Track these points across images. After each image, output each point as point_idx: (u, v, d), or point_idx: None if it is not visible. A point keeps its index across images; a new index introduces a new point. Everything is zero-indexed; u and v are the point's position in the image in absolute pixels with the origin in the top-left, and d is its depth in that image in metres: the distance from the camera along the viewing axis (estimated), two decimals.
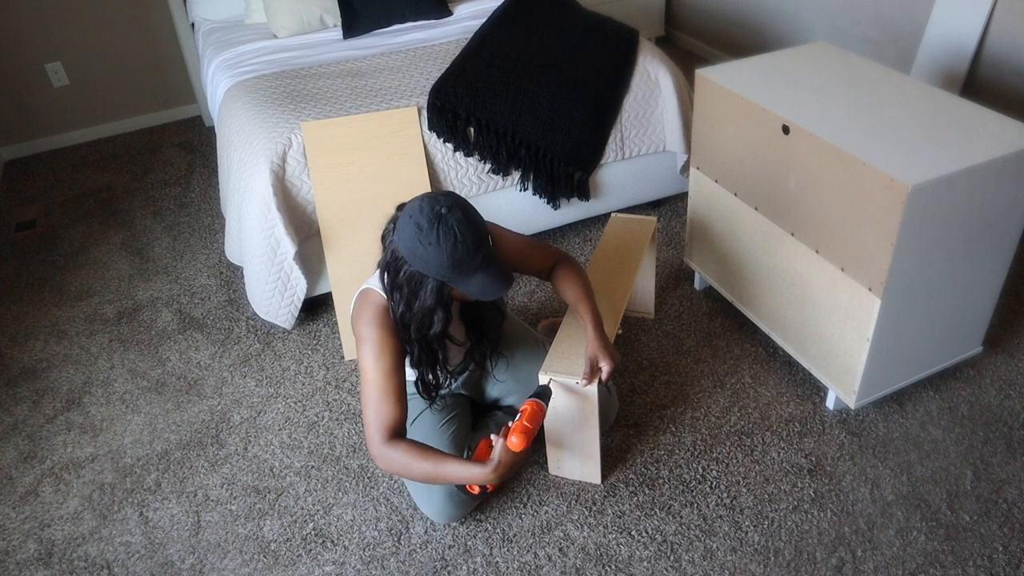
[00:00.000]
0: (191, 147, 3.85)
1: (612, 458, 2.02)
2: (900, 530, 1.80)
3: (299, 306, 2.47)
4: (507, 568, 1.79)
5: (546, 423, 1.86)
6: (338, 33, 3.15)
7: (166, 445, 2.19)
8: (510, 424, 1.62)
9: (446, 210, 1.49)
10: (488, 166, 2.58)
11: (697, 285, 2.60)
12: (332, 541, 1.88)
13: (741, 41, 4.05)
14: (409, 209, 1.53)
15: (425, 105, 2.51)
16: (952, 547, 1.75)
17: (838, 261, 1.88)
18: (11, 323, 2.72)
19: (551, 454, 1.94)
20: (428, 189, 2.49)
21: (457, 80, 2.57)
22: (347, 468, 2.06)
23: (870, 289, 1.80)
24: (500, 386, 2.00)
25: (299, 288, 2.43)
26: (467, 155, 2.54)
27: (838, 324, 1.95)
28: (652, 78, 2.73)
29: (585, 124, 2.63)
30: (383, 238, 1.63)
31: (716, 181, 2.26)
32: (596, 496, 1.93)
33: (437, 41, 2.99)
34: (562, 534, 1.85)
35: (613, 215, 2.32)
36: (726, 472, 1.97)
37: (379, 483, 2.01)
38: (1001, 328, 2.33)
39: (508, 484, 1.96)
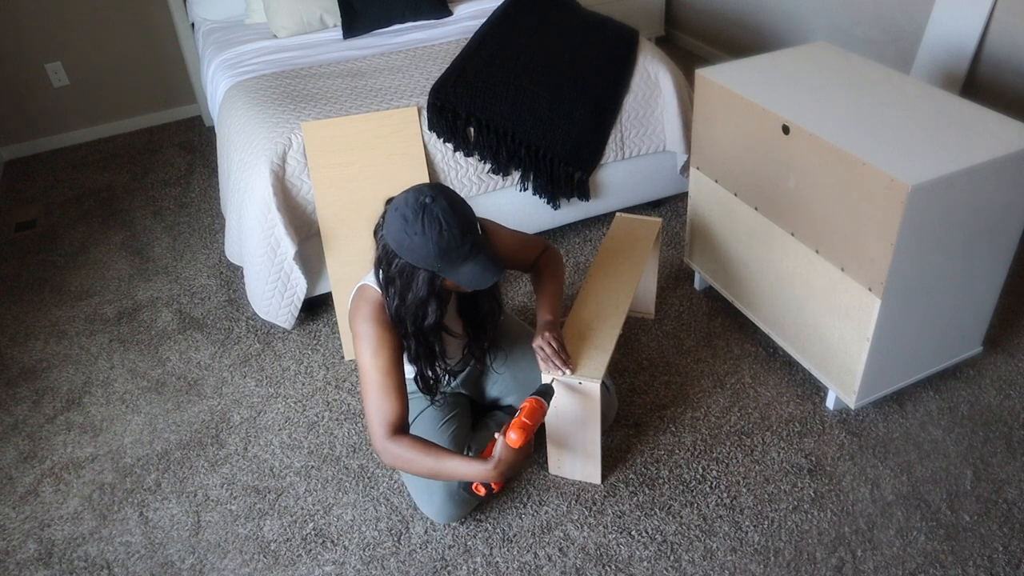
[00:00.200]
0: (191, 147, 3.85)
1: (612, 458, 2.02)
2: (900, 530, 1.80)
3: (299, 306, 2.47)
4: (507, 568, 1.79)
5: (547, 423, 1.86)
6: (338, 33, 3.15)
7: (166, 445, 2.19)
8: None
9: (430, 200, 1.50)
10: (488, 166, 2.58)
11: (697, 285, 2.60)
12: (332, 541, 1.88)
13: (741, 41, 4.05)
14: (396, 202, 1.54)
15: (425, 105, 2.51)
16: (952, 547, 1.75)
17: (838, 261, 1.88)
18: (11, 323, 2.73)
19: (551, 454, 1.94)
20: None
21: (457, 80, 2.57)
22: (347, 468, 2.06)
23: (870, 289, 1.80)
24: (499, 385, 2.00)
25: (299, 288, 2.43)
26: (467, 155, 2.54)
27: (838, 324, 1.95)
28: (652, 78, 2.73)
29: (585, 124, 2.63)
30: (375, 233, 1.63)
31: (716, 181, 2.26)
32: (596, 496, 1.93)
33: (437, 41, 2.99)
34: (562, 534, 1.85)
35: (618, 215, 2.31)
36: (726, 472, 1.97)
37: (379, 483, 2.01)
38: (1001, 328, 2.33)
39: (509, 484, 1.96)
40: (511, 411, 2.02)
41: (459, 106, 2.50)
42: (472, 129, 2.52)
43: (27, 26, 3.65)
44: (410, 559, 1.82)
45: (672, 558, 1.78)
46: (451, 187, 2.55)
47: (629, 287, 2.02)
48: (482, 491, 1.69)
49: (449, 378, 1.90)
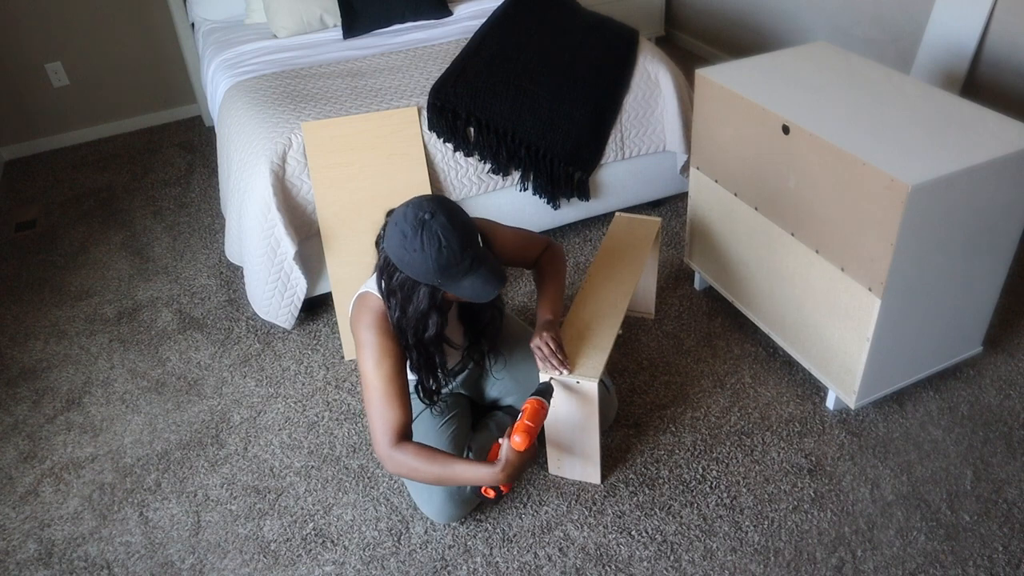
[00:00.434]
0: (191, 147, 3.85)
1: (612, 458, 2.02)
2: (900, 530, 1.80)
3: (299, 306, 2.47)
4: (507, 568, 1.79)
5: (546, 423, 1.86)
6: (338, 33, 3.15)
7: (166, 445, 2.19)
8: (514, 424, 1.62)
9: (429, 216, 1.49)
10: (488, 166, 2.58)
11: (697, 285, 2.60)
12: (332, 541, 1.88)
13: (741, 41, 4.05)
14: (395, 216, 1.53)
15: (425, 105, 2.51)
16: (952, 547, 1.75)
17: (838, 261, 1.88)
18: (11, 323, 2.73)
19: (551, 454, 1.94)
20: (428, 189, 2.49)
21: (457, 80, 2.57)
22: (347, 468, 2.06)
23: (870, 289, 1.80)
24: (499, 386, 2.00)
25: (299, 288, 2.43)
26: (467, 155, 2.54)
27: (838, 324, 1.95)
28: (652, 78, 2.73)
29: (585, 124, 2.63)
30: (377, 243, 1.64)
31: (716, 181, 2.26)
32: (596, 496, 1.93)
33: (437, 41, 2.99)
34: (562, 534, 1.85)
35: (618, 214, 2.31)
36: (726, 472, 1.97)
37: (379, 483, 2.01)
38: (1001, 328, 2.33)
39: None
40: (511, 411, 2.02)
41: (459, 106, 2.50)
42: (472, 129, 2.52)
43: (27, 26, 3.65)
44: (410, 559, 1.82)
45: (672, 558, 1.78)
46: (452, 186, 2.56)
47: (628, 287, 2.02)
48: (491, 493, 1.69)
49: (448, 379, 1.90)
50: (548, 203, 2.73)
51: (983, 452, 1.97)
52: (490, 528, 1.87)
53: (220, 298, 2.76)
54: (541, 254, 1.92)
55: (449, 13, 3.24)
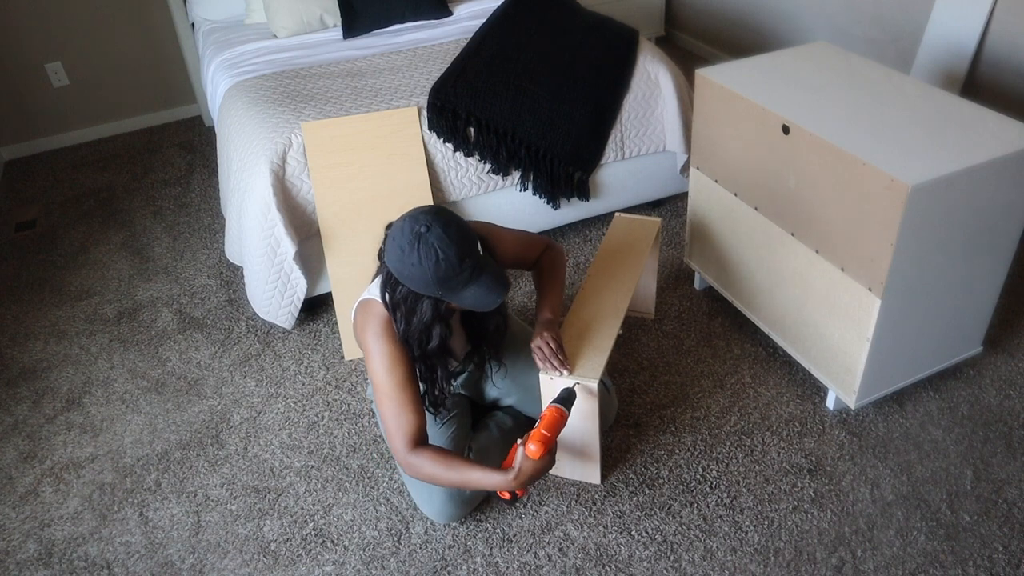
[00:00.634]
0: (191, 147, 3.85)
1: (612, 458, 2.02)
2: (900, 530, 1.80)
3: (299, 306, 2.47)
4: (507, 568, 1.79)
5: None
6: (338, 33, 3.15)
7: (166, 445, 2.19)
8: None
9: (425, 229, 1.48)
10: (488, 166, 2.58)
11: (697, 285, 2.60)
12: (332, 541, 1.88)
13: (741, 41, 4.05)
14: (393, 231, 1.54)
15: (425, 105, 2.51)
16: (952, 547, 1.75)
17: (838, 261, 1.88)
18: (11, 323, 2.73)
19: None
20: (428, 189, 2.49)
21: (457, 80, 2.57)
22: (347, 468, 2.06)
23: (870, 289, 1.80)
24: (499, 387, 2.00)
25: (299, 288, 2.43)
26: (467, 155, 2.54)
27: (838, 324, 1.95)
28: (652, 78, 2.73)
29: (585, 124, 2.63)
30: (379, 257, 1.64)
31: (716, 181, 2.26)
32: (596, 496, 1.93)
33: (437, 41, 2.99)
34: (562, 534, 1.85)
35: (617, 215, 2.31)
36: (726, 472, 1.97)
37: (379, 483, 2.01)
38: (1001, 328, 2.33)
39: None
40: (511, 412, 2.02)
41: (459, 106, 2.50)
42: (472, 129, 2.52)
43: (27, 26, 3.65)
44: (410, 559, 1.82)
45: (672, 558, 1.78)
46: (452, 186, 2.56)
47: (628, 287, 2.02)
48: (507, 495, 1.68)
49: (452, 386, 1.90)
50: (548, 203, 2.73)
51: (983, 452, 1.97)
52: (490, 528, 1.87)
53: (220, 298, 2.76)
54: (541, 255, 1.92)
55: (449, 13, 3.24)
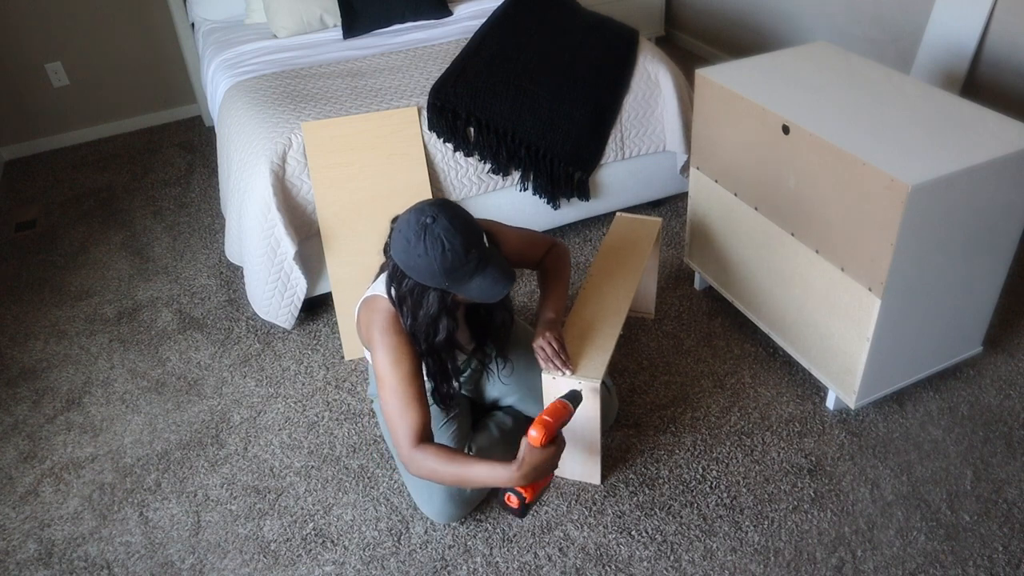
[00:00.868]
0: (191, 147, 3.85)
1: (612, 458, 2.02)
2: (900, 530, 1.80)
3: (299, 306, 2.47)
4: (507, 568, 1.79)
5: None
6: (338, 33, 3.15)
7: (166, 445, 2.19)
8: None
9: (431, 220, 1.49)
10: (488, 166, 2.58)
11: (697, 285, 2.60)
12: (332, 541, 1.88)
13: (741, 41, 4.05)
14: (399, 223, 1.54)
15: (425, 105, 2.51)
16: (952, 547, 1.75)
17: (838, 261, 1.88)
18: (11, 323, 2.73)
19: None
20: (428, 189, 2.49)
21: (457, 80, 2.57)
22: (347, 468, 2.06)
23: (870, 289, 1.80)
24: (500, 386, 2.00)
25: (299, 288, 2.43)
26: (467, 155, 2.54)
27: (838, 324, 1.95)
28: (652, 78, 2.73)
29: (585, 124, 2.63)
30: (384, 251, 1.64)
31: (716, 181, 2.26)
32: (596, 496, 1.93)
33: (437, 41, 2.99)
34: (562, 534, 1.85)
35: (618, 214, 2.31)
36: (726, 472, 1.97)
37: (379, 483, 2.01)
38: (1001, 328, 2.33)
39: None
40: (511, 412, 2.02)
41: (459, 106, 2.50)
42: (472, 129, 2.52)
43: (27, 26, 3.65)
44: (410, 559, 1.82)
45: (672, 558, 1.78)
46: (452, 186, 2.56)
47: (629, 287, 2.02)
48: (514, 502, 1.63)
49: (460, 383, 1.90)
50: (548, 203, 2.73)
51: (983, 452, 1.97)
52: (490, 528, 1.87)
53: (220, 298, 2.76)
54: (546, 254, 1.92)
55: (449, 13, 3.24)
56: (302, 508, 1.97)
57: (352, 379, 2.35)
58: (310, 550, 1.86)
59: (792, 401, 2.15)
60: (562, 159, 2.63)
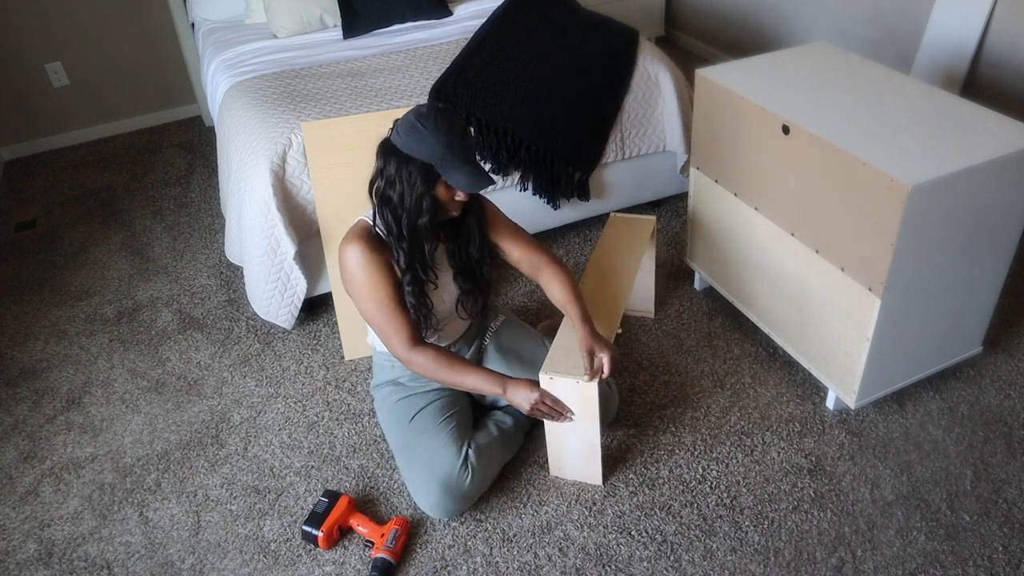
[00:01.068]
0: (191, 147, 3.85)
1: (612, 458, 2.02)
2: (900, 530, 1.80)
3: (299, 306, 2.46)
4: (507, 568, 1.79)
5: (546, 423, 1.86)
6: (338, 33, 3.15)
7: (166, 445, 2.19)
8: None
9: (442, 106, 1.66)
10: (488, 166, 2.58)
11: (697, 285, 2.60)
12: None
13: (741, 41, 4.05)
14: (409, 112, 1.65)
15: None
16: (952, 547, 1.75)
17: (838, 261, 1.88)
18: (11, 323, 2.73)
19: (551, 455, 1.94)
20: None
21: (457, 80, 2.57)
22: (347, 468, 2.06)
23: (870, 289, 1.80)
24: (498, 365, 2.01)
25: (299, 288, 2.43)
26: None
27: (838, 324, 1.95)
28: (652, 78, 2.73)
29: (585, 124, 2.63)
30: (377, 150, 1.71)
31: (716, 181, 2.26)
32: (596, 496, 1.93)
33: (437, 41, 2.99)
34: (562, 534, 1.85)
35: (612, 215, 2.31)
36: (726, 472, 1.97)
37: (379, 483, 2.01)
38: (1001, 328, 2.33)
39: (508, 484, 1.96)
40: (511, 411, 2.02)
41: (459, 106, 2.50)
42: (472, 129, 2.52)
43: (27, 26, 3.65)
44: (410, 559, 1.82)
45: (672, 558, 1.78)
46: None
47: (625, 287, 2.02)
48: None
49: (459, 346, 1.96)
50: (548, 203, 2.73)
51: (983, 452, 1.97)
52: (490, 528, 1.87)
53: (220, 298, 2.76)
54: (541, 263, 1.90)
55: (449, 13, 3.24)
56: (302, 508, 1.97)
57: (352, 379, 2.35)
58: (310, 550, 1.86)
59: (792, 401, 2.15)
60: (562, 159, 2.63)
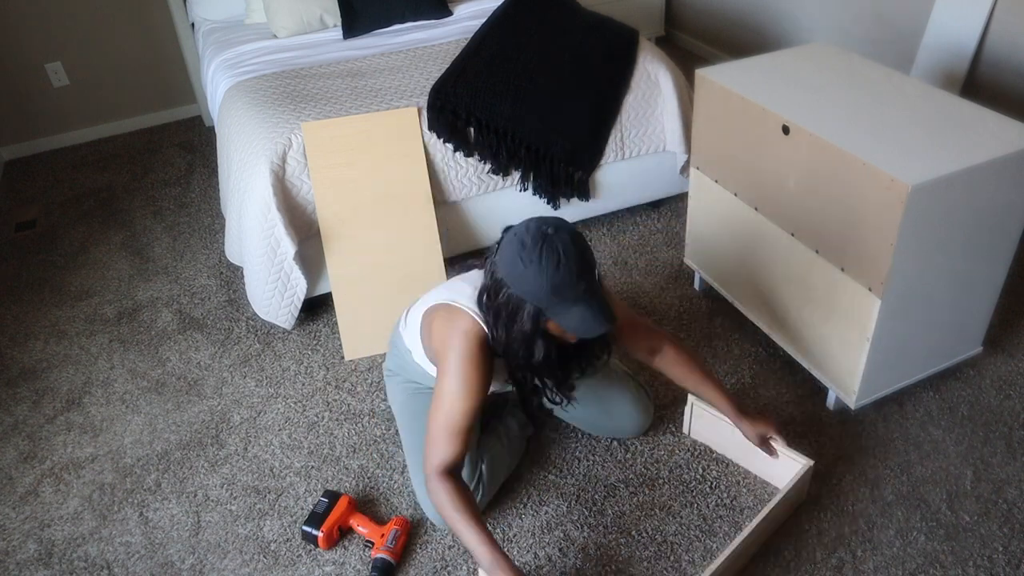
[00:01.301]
0: (191, 147, 3.85)
1: (612, 458, 2.02)
2: (900, 530, 1.80)
3: (299, 306, 2.47)
4: None
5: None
6: (338, 33, 3.15)
7: (166, 445, 2.19)
8: None
9: (553, 231, 1.44)
10: (488, 166, 2.58)
11: (697, 285, 2.60)
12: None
13: (741, 41, 4.05)
14: (516, 228, 1.49)
15: (425, 105, 2.51)
16: (952, 547, 1.75)
17: (838, 261, 1.88)
18: (11, 323, 2.73)
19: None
20: (428, 189, 2.49)
21: (457, 80, 2.57)
22: (347, 468, 2.06)
23: (870, 289, 1.80)
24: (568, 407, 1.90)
25: (299, 288, 2.43)
26: (467, 155, 2.54)
27: (838, 324, 1.95)
28: (652, 78, 2.73)
29: (585, 124, 2.63)
30: (486, 258, 1.58)
31: (716, 181, 2.26)
32: (596, 496, 1.93)
33: (437, 41, 2.99)
34: (562, 534, 1.85)
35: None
36: (726, 472, 1.97)
37: (379, 483, 2.01)
38: (1001, 328, 2.33)
39: (508, 483, 1.96)
40: (518, 417, 2.00)
41: (459, 106, 2.50)
42: (472, 129, 2.52)
43: (27, 26, 3.65)
44: (410, 559, 1.82)
45: (672, 558, 1.78)
46: (452, 187, 2.56)
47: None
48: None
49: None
50: (548, 203, 2.73)
51: (983, 452, 1.97)
52: (490, 528, 1.87)
53: (220, 298, 2.76)
54: (664, 344, 1.85)
55: (449, 13, 3.24)
56: (302, 508, 1.97)
57: (352, 379, 2.35)
58: (310, 550, 1.86)
59: (792, 401, 2.15)
60: (562, 159, 2.63)
